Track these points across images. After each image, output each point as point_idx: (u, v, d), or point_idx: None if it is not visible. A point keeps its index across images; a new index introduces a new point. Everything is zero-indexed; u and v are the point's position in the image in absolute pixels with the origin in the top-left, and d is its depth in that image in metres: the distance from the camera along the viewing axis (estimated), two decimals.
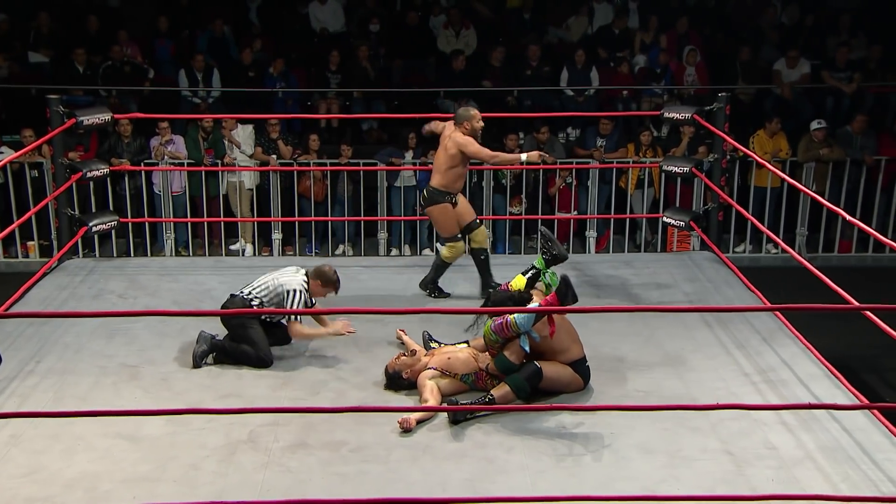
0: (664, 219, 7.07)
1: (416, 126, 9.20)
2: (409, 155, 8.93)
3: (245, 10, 11.09)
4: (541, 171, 8.79)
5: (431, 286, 6.23)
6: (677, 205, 8.54)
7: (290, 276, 5.31)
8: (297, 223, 8.76)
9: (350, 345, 5.41)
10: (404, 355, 4.87)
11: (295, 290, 5.23)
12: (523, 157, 6.07)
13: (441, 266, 6.21)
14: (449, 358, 4.86)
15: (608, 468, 4.19)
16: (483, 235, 6.20)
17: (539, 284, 5.09)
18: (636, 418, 4.50)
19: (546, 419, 4.53)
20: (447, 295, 6.21)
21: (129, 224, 8.36)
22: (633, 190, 8.94)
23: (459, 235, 6.13)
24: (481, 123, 5.94)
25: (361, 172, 8.73)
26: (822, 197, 6.56)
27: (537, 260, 5.18)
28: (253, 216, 8.88)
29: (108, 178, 7.73)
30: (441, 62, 10.37)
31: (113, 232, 7.69)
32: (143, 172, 8.52)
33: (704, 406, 4.50)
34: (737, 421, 4.51)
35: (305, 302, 5.24)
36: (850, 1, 11.24)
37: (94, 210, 8.19)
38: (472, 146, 5.88)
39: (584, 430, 4.48)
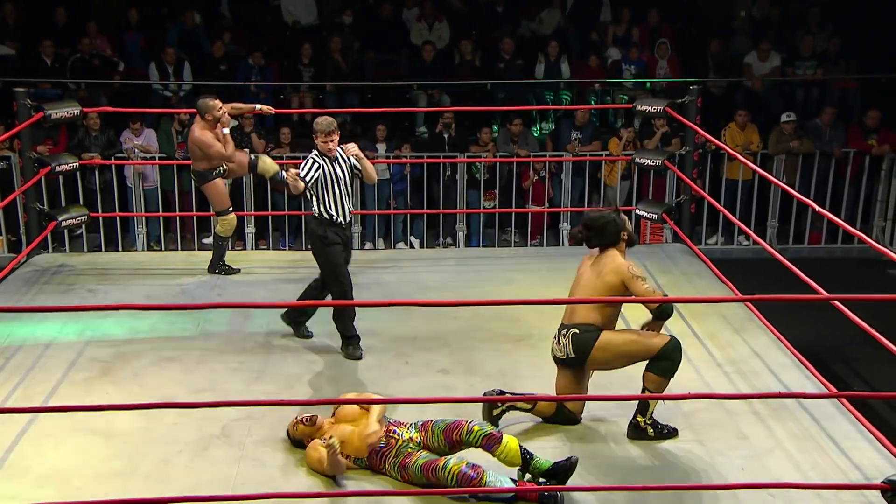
0: (637, 211, 7.11)
1: (389, 119, 9.20)
2: (381, 148, 8.91)
3: (216, 3, 10.99)
4: (514, 164, 8.80)
5: (219, 266, 6.46)
6: (650, 197, 8.59)
7: None
8: (270, 217, 8.71)
9: (325, 338, 5.40)
10: (303, 423, 4.20)
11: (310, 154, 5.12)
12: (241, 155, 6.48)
13: (220, 245, 6.49)
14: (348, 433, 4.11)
15: (582, 458, 4.20)
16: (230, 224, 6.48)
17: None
18: (609, 408, 4.53)
19: (521, 413, 4.54)
20: (237, 270, 6.47)
21: (100, 218, 8.28)
22: (616, 183, 8.98)
23: (231, 209, 6.49)
24: (221, 112, 6.22)
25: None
26: (793, 189, 6.62)
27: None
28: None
29: (78, 172, 7.64)
30: (414, 55, 10.35)
31: (83, 226, 7.62)
32: (113, 166, 8.43)
33: (676, 396, 4.53)
34: (708, 411, 4.56)
35: (317, 165, 5.08)
36: None
37: (63, 204, 8.09)
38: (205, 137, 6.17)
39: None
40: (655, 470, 4.13)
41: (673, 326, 5.54)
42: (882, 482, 3.52)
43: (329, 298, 5.34)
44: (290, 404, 4.43)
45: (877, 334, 4.07)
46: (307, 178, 5.09)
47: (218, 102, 6.27)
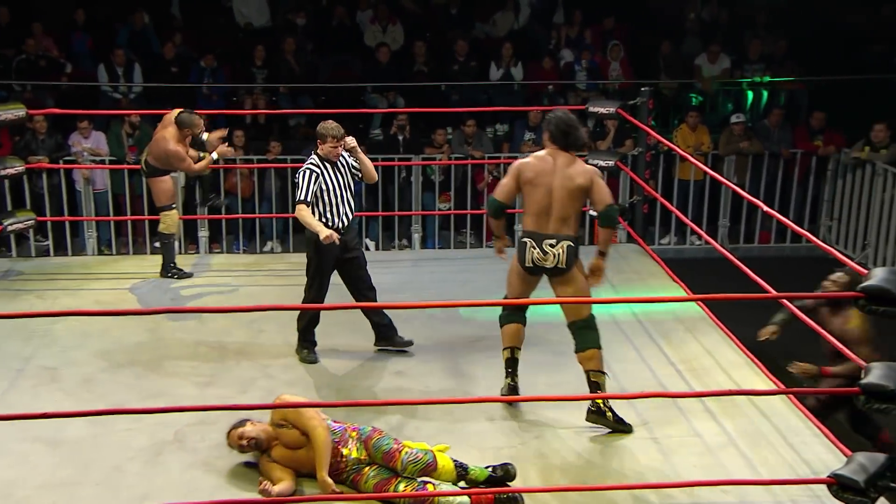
0: (590, 212, 7.16)
1: (344, 121, 9.14)
2: None
3: (166, 4, 10.85)
4: (469, 166, 8.82)
5: (171, 269, 6.41)
6: None
7: None
8: (223, 220, 8.62)
9: (279, 342, 5.36)
10: (243, 447, 4.06)
11: (304, 167, 5.02)
12: (214, 155, 6.37)
13: (167, 244, 6.42)
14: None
15: (536, 458, 4.23)
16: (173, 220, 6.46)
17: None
18: (564, 408, 4.56)
19: (475, 412, 4.56)
20: (189, 275, 6.43)
21: (48, 223, 8.12)
22: None
23: (174, 205, 6.48)
24: (200, 132, 6.31)
25: (289, 169, 8.63)
26: (743, 189, 6.72)
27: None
28: (180, 213, 8.69)
29: (25, 176, 7.48)
30: (368, 57, 10.32)
31: (31, 231, 7.47)
32: (61, 170, 8.28)
33: (631, 395, 4.58)
34: (662, 409, 4.61)
35: (315, 175, 4.99)
36: None
37: (9, 209, 7.92)
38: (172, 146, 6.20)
39: (514, 422, 4.52)
40: (610, 468, 4.16)
41: (626, 325, 5.61)
42: (828, 476, 3.59)
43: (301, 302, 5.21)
44: (244, 408, 4.38)
45: (823, 332, 4.15)
46: (308, 198, 4.98)
47: (202, 123, 6.30)
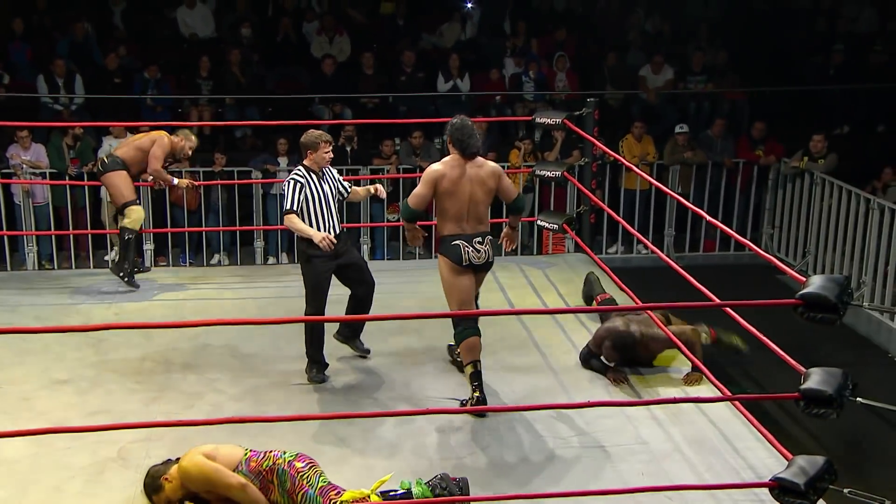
0: (538, 222, 7.21)
1: (290, 133, 9.10)
2: (283, 161, 8.81)
3: (108, 14, 10.69)
4: (418, 178, 8.81)
5: (125, 268, 6.39)
6: (551, 208, 8.73)
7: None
8: (169, 233, 8.50)
9: (227, 356, 5.30)
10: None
11: (289, 178, 4.98)
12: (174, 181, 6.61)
13: (128, 241, 6.40)
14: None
15: (486, 469, 4.24)
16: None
17: None
18: (514, 419, 4.58)
19: (425, 424, 4.55)
20: (148, 269, 6.64)
21: None
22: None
23: (138, 200, 6.51)
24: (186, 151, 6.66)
25: (235, 182, 8.55)
26: (687, 199, 6.83)
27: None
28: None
29: None
30: (315, 68, 10.28)
31: None
32: None
33: (579, 404, 4.61)
34: (610, 418, 4.65)
35: (300, 185, 4.93)
36: (707, 11, 11.78)
37: None
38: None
39: (464, 433, 4.52)
40: (557, 475, 4.19)
41: (574, 334, 5.65)
42: (770, 480, 3.65)
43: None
44: (190, 424, 4.32)
45: (765, 339, 4.22)
46: (294, 207, 4.92)
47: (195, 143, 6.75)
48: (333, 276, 5.10)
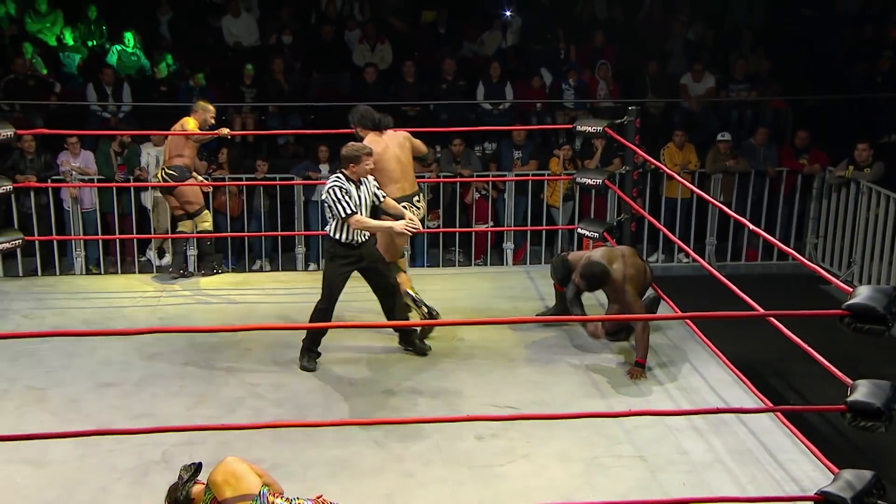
0: (578, 230, 7.19)
1: (331, 140, 9.17)
2: (325, 169, 8.88)
3: (156, 23, 10.88)
4: (458, 184, 8.85)
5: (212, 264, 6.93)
6: (592, 216, 8.70)
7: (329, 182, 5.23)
8: (212, 239, 8.59)
9: (268, 361, 5.36)
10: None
11: (330, 189, 5.14)
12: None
13: (209, 244, 6.98)
14: None
15: (526, 477, 4.24)
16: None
17: None
18: (553, 427, 4.57)
19: (464, 431, 4.56)
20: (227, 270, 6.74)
21: (36, 242, 8.10)
22: (559, 203, 9.08)
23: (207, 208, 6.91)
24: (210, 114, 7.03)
25: (278, 187, 8.65)
26: (730, 207, 6.76)
27: None
28: (169, 231, 8.70)
29: (13, 195, 7.47)
30: (356, 76, 10.37)
31: (18, 250, 7.44)
32: (49, 189, 8.26)
33: (619, 413, 4.59)
34: (650, 427, 4.62)
35: (345, 189, 5.12)
36: (751, 17, 11.67)
37: None
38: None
39: (503, 440, 4.52)
40: (597, 484, 4.17)
41: (616, 344, 5.62)
42: (816, 494, 3.60)
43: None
44: (232, 429, 4.38)
45: (810, 349, 4.18)
46: (353, 209, 5.12)
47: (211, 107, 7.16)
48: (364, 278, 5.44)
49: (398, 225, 5.19)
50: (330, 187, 5.13)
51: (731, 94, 10.49)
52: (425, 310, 5.72)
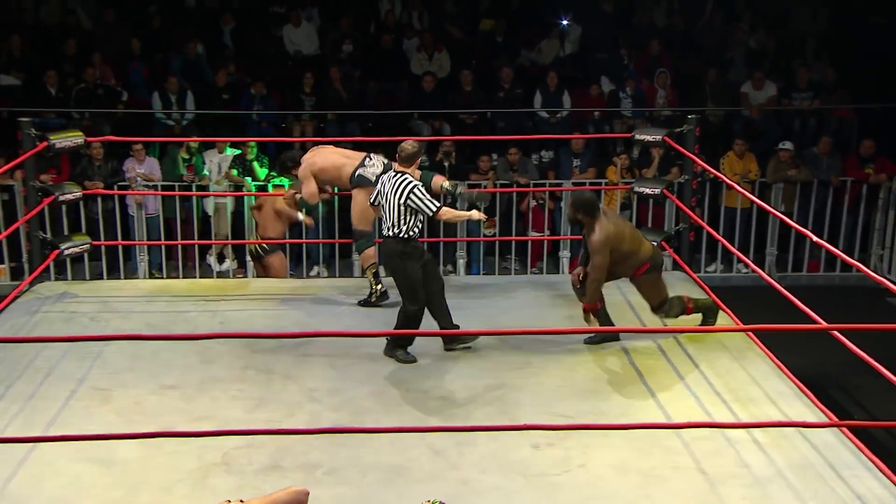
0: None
1: (389, 148, 9.25)
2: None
3: (218, 33, 11.10)
4: (514, 193, 8.86)
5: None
6: (649, 225, 8.63)
7: (394, 185, 5.36)
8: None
9: (325, 366, 5.42)
10: None
11: (413, 190, 5.32)
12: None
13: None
14: None
15: (582, 487, 4.21)
16: None
17: None
18: (610, 437, 4.54)
19: (520, 439, 4.55)
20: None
21: (102, 247, 8.31)
22: (616, 212, 9.03)
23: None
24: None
25: (336, 195, 8.73)
26: (791, 218, 6.67)
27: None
28: (229, 238, 8.88)
29: (81, 201, 7.68)
30: (414, 84, 10.44)
31: (85, 255, 7.65)
32: (115, 194, 8.48)
33: (677, 424, 4.54)
34: (709, 439, 4.56)
35: (422, 187, 5.39)
36: (814, 25, 11.47)
37: (65, 233, 8.14)
38: None
39: (559, 449, 4.50)
40: (654, 496, 4.13)
41: (672, 354, 5.57)
42: None
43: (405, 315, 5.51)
44: (290, 433, 4.44)
45: (875, 363, 4.09)
46: (439, 203, 5.44)
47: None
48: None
49: (475, 215, 5.57)
50: (411, 189, 5.33)
51: (794, 103, 10.31)
52: (380, 287, 6.17)
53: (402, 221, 5.37)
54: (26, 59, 10.28)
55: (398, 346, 5.47)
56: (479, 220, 5.66)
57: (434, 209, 5.34)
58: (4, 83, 10.04)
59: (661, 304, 5.74)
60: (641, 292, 5.77)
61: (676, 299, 5.78)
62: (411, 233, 5.39)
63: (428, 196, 5.36)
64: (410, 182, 5.35)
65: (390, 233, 5.41)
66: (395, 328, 5.50)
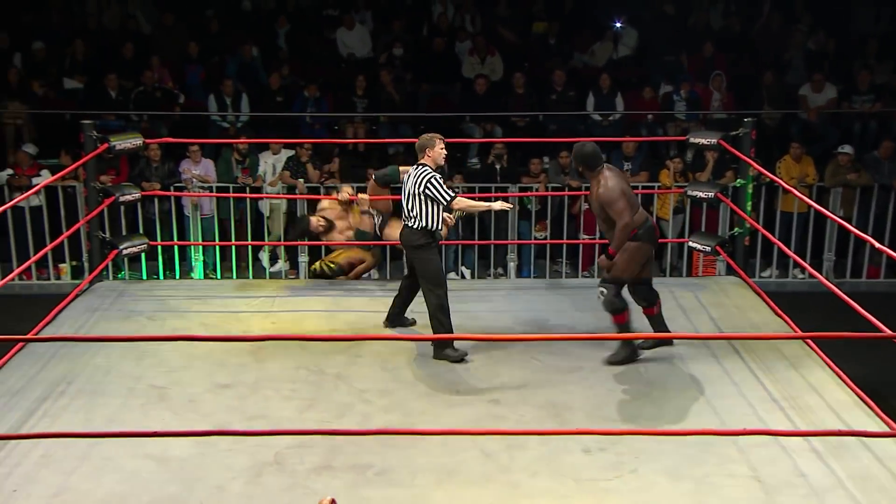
0: (690, 243, 7.06)
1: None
2: None
3: (273, 36, 11.24)
4: (565, 196, 8.81)
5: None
6: (703, 229, 8.52)
7: (415, 177, 5.50)
8: (322, 247, 8.79)
9: (376, 368, 5.44)
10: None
11: (429, 180, 5.45)
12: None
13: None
14: None
15: (634, 493, 4.17)
16: None
17: None
18: (663, 443, 4.48)
19: (571, 443, 4.52)
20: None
21: (159, 247, 8.46)
22: (669, 216, 8.94)
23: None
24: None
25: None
26: (850, 222, 6.52)
27: None
28: (282, 239, 8.97)
29: (139, 202, 7.83)
30: (466, 87, 10.45)
31: (143, 254, 7.79)
32: (172, 195, 8.63)
33: (732, 431, 4.47)
34: (765, 447, 4.48)
35: (438, 177, 5.49)
36: (877, 26, 11.21)
37: (123, 233, 8.30)
38: None
39: (610, 454, 4.46)
40: None
41: (727, 360, 5.49)
42: None
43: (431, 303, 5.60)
44: (342, 433, 4.47)
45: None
46: (453, 193, 5.54)
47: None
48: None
49: (496, 205, 5.64)
50: (427, 179, 5.46)
51: (854, 106, 10.10)
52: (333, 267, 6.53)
53: (422, 212, 5.52)
54: (89, 63, 10.52)
55: (444, 346, 5.52)
56: (501, 209, 5.71)
57: (449, 198, 5.47)
58: (68, 87, 10.29)
59: (616, 281, 5.39)
60: (615, 258, 5.36)
61: (646, 290, 5.52)
62: (431, 223, 5.53)
63: (444, 186, 5.48)
64: (429, 172, 5.49)
65: (412, 224, 5.58)
66: (432, 329, 5.59)
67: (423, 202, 5.52)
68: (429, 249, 5.60)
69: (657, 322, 5.64)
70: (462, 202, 5.65)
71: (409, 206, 5.58)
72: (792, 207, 8.89)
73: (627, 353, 5.44)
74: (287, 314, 6.40)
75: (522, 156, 9.42)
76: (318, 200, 8.07)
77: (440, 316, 5.55)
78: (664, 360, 5.53)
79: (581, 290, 6.92)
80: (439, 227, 5.61)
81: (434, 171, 5.52)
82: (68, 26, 11.14)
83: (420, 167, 5.56)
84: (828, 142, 9.61)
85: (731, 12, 11.47)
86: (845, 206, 8.89)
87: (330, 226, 6.89)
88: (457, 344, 5.57)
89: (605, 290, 5.41)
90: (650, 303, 5.62)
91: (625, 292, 5.52)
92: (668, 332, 5.64)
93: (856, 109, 10.07)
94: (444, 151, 5.57)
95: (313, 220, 6.95)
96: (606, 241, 5.47)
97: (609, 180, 5.32)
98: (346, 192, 6.97)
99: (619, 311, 5.43)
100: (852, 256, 8.91)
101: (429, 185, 5.47)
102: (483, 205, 5.89)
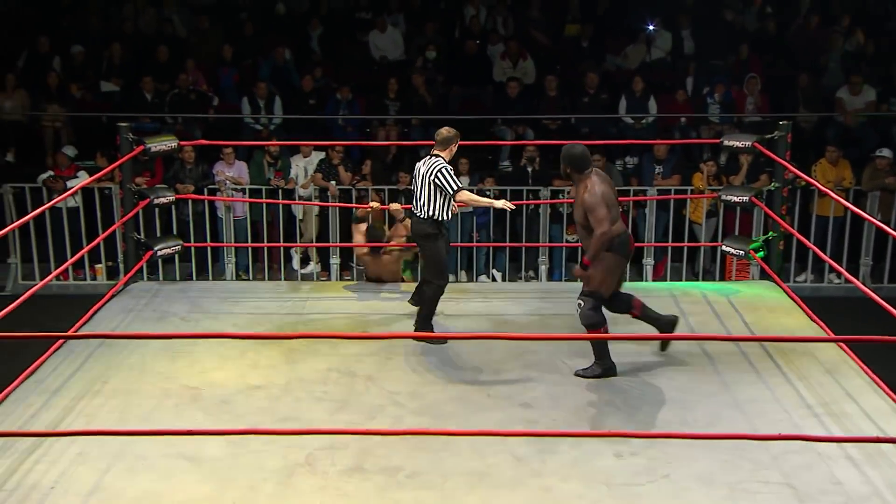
0: (723, 247, 7.00)
1: (473, 153, 9.28)
2: (465, 181, 8.98)
3: (306, 39, 11.31)
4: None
5: None
6: (736, 233, 8.44)
7: (428, 165, 5.61)
8: (353, 248, 8.83)
9: (408, 370, 5.45)
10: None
11: (441, 169, 5.56)
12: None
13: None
14: None
15: (666, 499, 4.14)
16: None
17: None
18: (695, 448, 4.45)
19: (602, 447, 4.50)
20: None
21: (192, 248, 8.54)
22: (702, 220, 8.87)
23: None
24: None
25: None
26: (888, 226, 6.42)
27: None
28: (314, 241, 9.03)
29: (173, 204, 7.92)
30: (498, 90, 10.45)
31: (176, 256, 7.87)
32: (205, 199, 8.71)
33: (766, 436, 4.42)
34: (799, 454, 4.42)
35: (449, 167, 5.61)
36: None
37: (158, 234, 8.39)
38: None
39: (642, 458, 4.43)
40: None
41: (761, 365, 5.43)
42: None
43: (427, 290, 5.82)
44: (374, 434, 4.48)
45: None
46: (461, 184, 5.66)
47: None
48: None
49: (498, 203, 5.72)
50: (439, 168, 5.57)
51: (893, 109, 9.95)
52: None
53: (429, 201, 5.61)
54: (125, 66, 10.66)
55: (427, 323, 5.77)
56: (504, 205, 5.74)
57: (455, 189, 5.56)
58: (105, 89, 10.44)
59: (593, 294, 5.23)
60: (590, 269, 5.20)
61: (626, 296, 5.40)
62: (439, 213, 5.62)
63: (454, 178, 5.57)
64: (440, 162, 5.60)
65: (421, 214, 5.67)
66: (418, 312, 5.81)
67: (431, 191, 5.61)
68: (436, 240, 5.70)
69: (649, 318, 5.49)
70: (465, 195, 5.72)
71: (418, 195, 5.69)
72: (828, 211, 8.78)
73: (603, 370, 5.29)
74: (318, 315, 6.43)
75: (554, 158, 9.37)
76: (350, 202, 8.12)
77: (431, 307, 5.76)
78: (696, 364, 5.48)
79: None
80: (447, 218, 5.70)
81: (447, 162, 5.63)
82: (105, 30, 11.30)
83: (434, 157, 5.66)
84: (865, 145, 9.49)
85: (767, 14, 11.36)
86: (883, 210, 8.77)
87: (402, 219, 6.94)
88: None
89: (581, 303, 5.27)
90: (629, 306, 5.45)
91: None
92: (662, 319, 5.48)
93: (894, 113, 9.92)
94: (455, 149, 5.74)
95: (395, 205, 7.01)
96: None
97: (596, 186, 5.15)
98: (396, 205, 7.04)
99: (595, 326, 5.26)
100: (890, 261, 8.78)
101: (440, 173, 5.57)
102: (485, 200, 5.94)
